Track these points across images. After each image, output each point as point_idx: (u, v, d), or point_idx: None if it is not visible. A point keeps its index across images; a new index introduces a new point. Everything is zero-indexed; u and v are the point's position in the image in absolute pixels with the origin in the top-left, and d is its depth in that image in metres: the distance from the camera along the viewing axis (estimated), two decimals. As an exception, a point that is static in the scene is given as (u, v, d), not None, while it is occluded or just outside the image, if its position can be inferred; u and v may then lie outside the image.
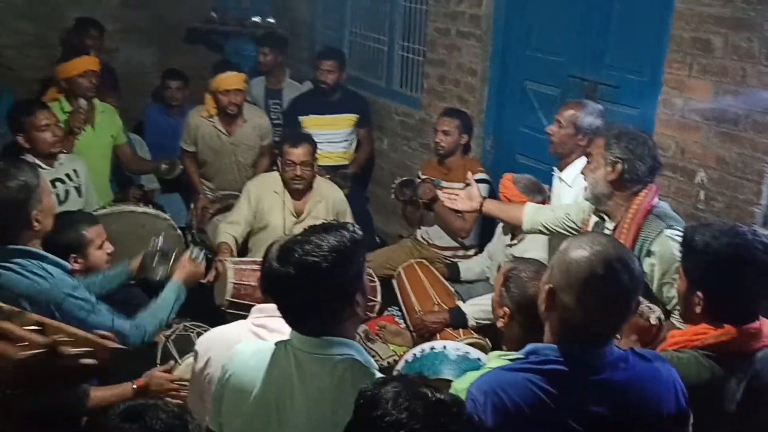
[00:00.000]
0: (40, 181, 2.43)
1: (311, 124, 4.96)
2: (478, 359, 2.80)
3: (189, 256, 2.88)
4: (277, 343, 1.80)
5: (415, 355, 2.96)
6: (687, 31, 3.19)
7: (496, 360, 2.10)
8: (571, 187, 3.35)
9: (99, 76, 4.11)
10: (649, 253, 2.58)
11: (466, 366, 2.44)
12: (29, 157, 3.42)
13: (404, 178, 4.25)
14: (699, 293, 1.99)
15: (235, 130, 4.59)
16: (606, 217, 2.79)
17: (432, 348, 2.95)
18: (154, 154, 5.04)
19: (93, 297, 2.45)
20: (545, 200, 3.62)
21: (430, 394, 1.39)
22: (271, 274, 1.75)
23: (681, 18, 3.21)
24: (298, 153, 3.88)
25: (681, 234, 2.35)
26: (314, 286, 1.68)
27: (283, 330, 1.89)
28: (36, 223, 2.38)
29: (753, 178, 3.02)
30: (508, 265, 2.27)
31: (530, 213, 3.18)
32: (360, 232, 1.77)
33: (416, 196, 4.10)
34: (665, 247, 2.54)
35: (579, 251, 1.69)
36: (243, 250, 4.02)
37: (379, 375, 1.72)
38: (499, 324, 2.17)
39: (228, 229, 3.94)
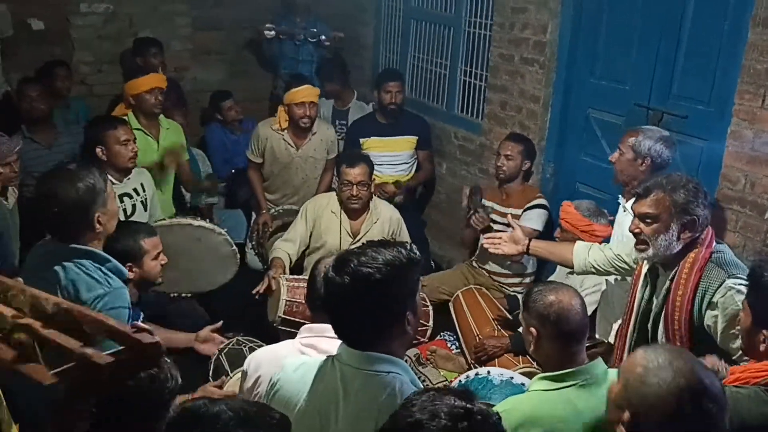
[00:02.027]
0: (107, 186, 2.52)
1: (371, 145, 4.99)
2: (522, 384, 2.78)
3: None
4: (326, 358, 1.81)
5: (460, 381, 2.96)
6: (760, 62, 3.10)
7: (538, 382, 2.14)
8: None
9: (165, 94, 4.23)
10: (711, 305, 2.44)
11: (509, 391, 2.44)
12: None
13: (474, 185, 4.21)
14: (765, 331, 1.91)
15: (303, 144, 4.66)
16: (660, 267, 2.64)
17: (477, 374, 2.95)
18: (217, 170, 5.19)
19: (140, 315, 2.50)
20: (606, 224, 3.55)
21: (456, 401, 1.38)
22: (326, 284, 1.78)
23: (754, 49, 3.12)
24: (354, 173, 3.91)
25: (744, 283, 2.27)
26: (366, 298, 1.70)
27: (331, 351, 1.89)
28: (98, 225, 2.46)
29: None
30: (525, 293, 2.31)
31: (580, 253, 3.07)
32: (417, 253, 1.77)
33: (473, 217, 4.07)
34: (728, 298, 2.40)
35: (660, 377, 1.57)
36: (298, 268, 4.05)
37: None
38: (531, 350, 2.16)
39: (283, 246, 3.98)
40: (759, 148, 3.13)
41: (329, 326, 2.19)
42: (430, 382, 3.68)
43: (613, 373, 2.22)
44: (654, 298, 2.63)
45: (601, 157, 4.13)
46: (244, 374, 2.30)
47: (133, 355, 1.34)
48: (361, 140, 5.06)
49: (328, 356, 1.81)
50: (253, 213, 4.81)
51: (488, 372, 2.90)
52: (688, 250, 2.51)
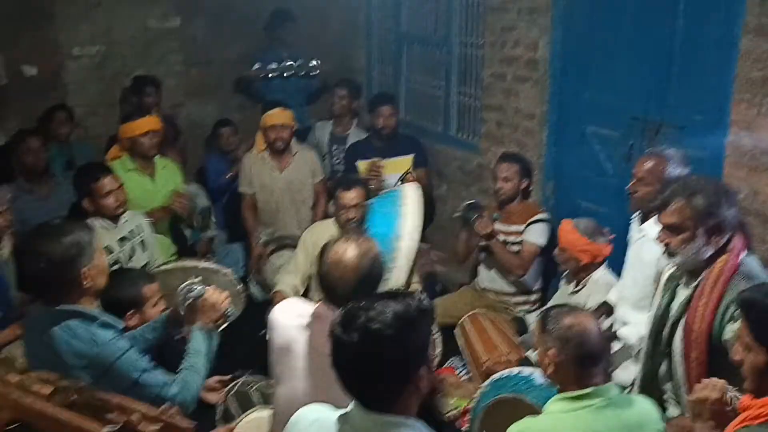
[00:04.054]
0: (93, 240, 2.46)
1: (368, 168, 4.96)
2: None
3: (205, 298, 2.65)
4: (339, 417, 1.74)
5: (501, 375, 2.97)
6: (754, 71, 3.07)
7: (555, 404, 2.14)
8: (654, 242, 2.99)
9: (160, 135, 4.22)
10: (733, 319, 2.35)
11: (548, 394, 2.39)
12: (96, 221, 3.53)
13: (472, 201, 4.18)
14: None
15: (286, 166, 4.71)
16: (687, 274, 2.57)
17: (520, 372, 2.97)
18: (217, 199, 5.17)
19: (145, 359, 2.45)
20: (606, 243, 3.50)
21: None
22: (333, 342, 1.69)
23: (747, 57, 3.10)
24: (350, 196, 3.90)
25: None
26: (377, 356, 1.62)
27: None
28: (86, 281, 2.39)
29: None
30: (540, 313, 2.31)
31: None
32: (428, 302, 1.72)
33: (473, 228, 4.02)
34: None
35: None
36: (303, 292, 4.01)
37: None
38: (549, 371, 2.16)
39: (285, 279, 3.95)
40: (759, 157, 3.10)
41: None
42: (440, 411, 3.63)
43: (636, 398, 2.21)
44: (672, 306, 2.58)
45: (601, 172, 4.12)
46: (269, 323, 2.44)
47: None
48: (358, 163, 5.04)
49: (340, 416, 1.73)
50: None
51: (532, 372, 2.92)
52: (717, 257, 2.44)
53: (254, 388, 3.13)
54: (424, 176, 5.16)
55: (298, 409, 1.81)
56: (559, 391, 2.19)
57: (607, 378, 2.33)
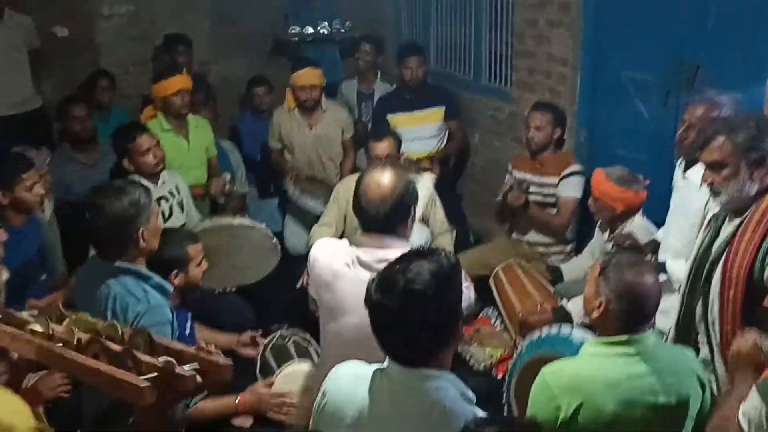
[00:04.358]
0: (151, 202, 2.59)
1: (399, 122, 4.94)
2: None
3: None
4: (374, 372, 1.78)
5: (540, 335, 2.96)
6: (795, 7, 2.95)
7: (591, 347, 2.14)
8: (699, 190, 2.90)
9: (192, 93, 4.25)
10: None
11: None
12: (136, 178, 3.58)
13: (513, 182, 4.13)
14: None
15: (315, 123, 4.72)
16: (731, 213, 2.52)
17: (559, 331, 2.93)
18: (250, 158, 5.20)
19: (186, 326, 2.53)
20: (640, 191, 3.45)
21: None
22: (372, 309, 1.71)
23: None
24: (382, 147, 3.87)
25: None
26: (420, 316, 1.65)
27: (388, 259, 1.89)
28: (142, 241, 2.51)
29: None
30: (604, 257, 2.25)
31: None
32: (453, 256, 1.74)
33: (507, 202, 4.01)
34: None
35: None
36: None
37: (473, 409, 1.69)
38: (594, 315, 2.14)
39: (320, 231, 3.96)
40: (801, 98, 2.99)
41: (389, 238, 2.34)
42: (476, 361, 3.68)
43: (672, 349, 2.21)
44: (714, 245, 2.54)
45: (636, 118, 4.03)
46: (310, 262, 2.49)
47: (209, 373, 1.50)
48: (388, 117, 5.01)
49: (377, 370, 1.77)
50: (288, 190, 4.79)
51: (570, 331, 2.90)
52: (763, 194, 2.40)
53: (291, 341, 3.20)
54: (457, 128, 5.15)
55: (346, 345, 1.82)
56: (599, 335, 2.18)
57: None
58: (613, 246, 3.41)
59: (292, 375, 2.90)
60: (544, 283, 3.85)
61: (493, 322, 3.93)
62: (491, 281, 3.96)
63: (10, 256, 2.92)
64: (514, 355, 3.07)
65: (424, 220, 3.95)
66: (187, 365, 1.57)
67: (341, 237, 4.06)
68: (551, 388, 2.07)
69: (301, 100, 4.65)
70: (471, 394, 1.74)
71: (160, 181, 3.75)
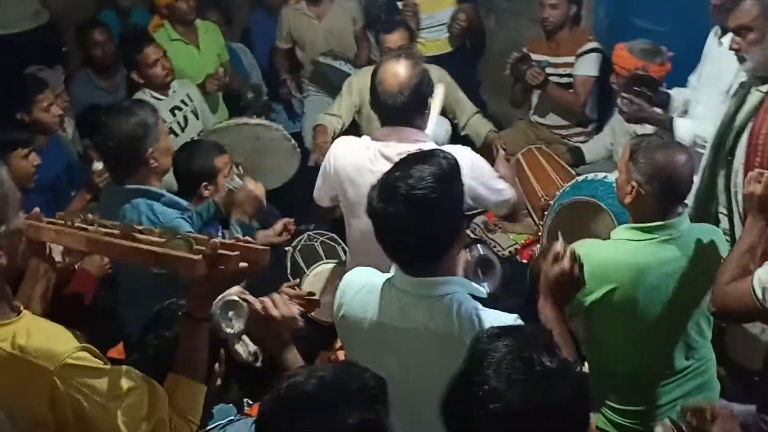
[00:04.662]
0: (158, 121, 2.57)
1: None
2: None
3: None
4: (384, 284, 1.78)
5: (584, 179, 3.02)
6: None
7: (624, 231, 2.15)
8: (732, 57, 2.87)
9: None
10: None
11: None
12: (146, 93, 3.60)
13: (520, 54, 4.04)
14: None
15: (324, 15, 4.58)
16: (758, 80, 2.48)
17: (605, 176, 2.96)
18: (263, 60, 5.08)
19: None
20: (665, 63, 3.36)
21: (537, 361, 1.25)
22: (375, 217, 1.69)
23: None
24: (394, 39, 3.77)
25: None
26: (426, 221, 1.63)
27: (394, 158, 1.94)
28: (153, 161, 2.52)
29: None
30: (632, 140, 2.21)
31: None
32: (452, 157, 1.72)
33: (526, 79, 3.92)
34: None
35: None
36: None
37: (481, 307, 1.69)
38: (627, 201, 2.13)
39: (327, 117, 3.89)
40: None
41: (410, 130, 2.36)
42: (501, 247, 3.73)
43: (700, 229, 2.20)
44: (740, 112, 2.53)
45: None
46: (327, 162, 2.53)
47: (249, 261, 1.53)
48: (399, 3, 4.69)
49: (386, 281, 1.77)
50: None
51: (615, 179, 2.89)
52: None
53: (318, 241, 3.28)
54: (471, 11, 4.82)
55: (372, 240, 1.80)
56: (632, 221, 2.17)
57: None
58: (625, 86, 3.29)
59: (321, 275, 3.00)
60: (565, 166, 3.84)
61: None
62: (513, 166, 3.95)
63: (39, 175, 3.00)
64: (557, 194, 3.11)
65: (450, 111, 3.91)
66: None
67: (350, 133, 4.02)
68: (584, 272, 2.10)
69: None
70: (482, 291, 1.76)
71: (171, 92, 3.74)
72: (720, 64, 2.98)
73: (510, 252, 3.72)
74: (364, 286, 1.82)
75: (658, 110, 3.13)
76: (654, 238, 2.07)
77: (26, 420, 1.43)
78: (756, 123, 2.41)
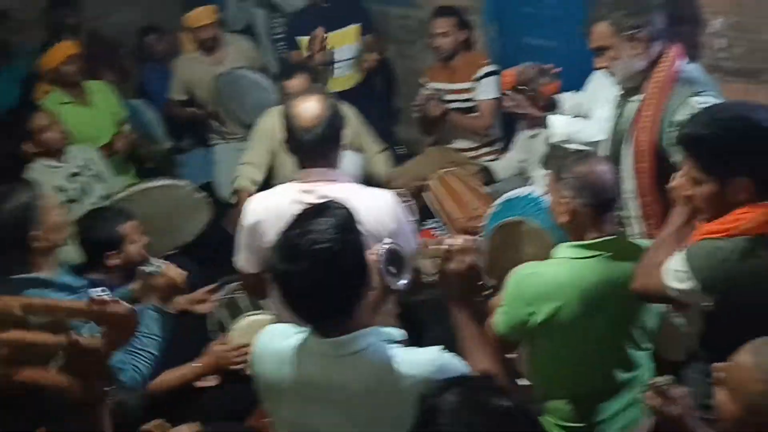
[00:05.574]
0: (39, 199, 2.42)
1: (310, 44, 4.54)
2: None
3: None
4: (297, 347, 1.70)
5: (513, 195, 3.04)
6: None
7: (566, 250, 2.17)
8: None
9: (83, 57, 4.06)
10: (671, 125, 2.40)
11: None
12: (38, 164, 3.48)
13: (427, 94, 4.06)
14: (742, 179, 1.83)
15: (221, 60, 4.54)
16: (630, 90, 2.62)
17: (531, 192, 3.03)
18: (162, 109, 4.94)
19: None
20: (552, 81, 3.45)
21: (493, 404, 1.25)
22: (279, 278, 1.62)
23: None
24: (293, 84, 3.70)
25: (709, 102, 2.24)
26: (333, 275, 1.57)
27: (329, 195, 1.86)
28: (41, 242, 2.36)
29: (772, 15, 2.82)
30: (553, 168, 2.28)
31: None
32: (345, 206, 1.67)
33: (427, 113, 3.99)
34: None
35: None
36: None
37: (401, 351, 1.64)
38: (563, 219, 2.17)
39: (245, 173, 3.81)
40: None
41: (329, 170, 2.31)
42: (427, 272, 3.70)
43: (638, 244, 2.23)
44: (621, 123, 2.65)
45: (542, 5, 3.99)
46: (245, 213, 2.41)
47: (114, 328, 1.44)
48: (299, 39, 4.62)
49: (302, 341, 1.69)
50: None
51: (542, 195, 2.96)
52: (653, 68, 2.49)
53: (240, 293, 3.18)
54: (376, 43, 4.81)
55: None
56: (572, 239, 2.20)
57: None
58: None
59: (246, 327, 2.90)
60: (478, 187, 3.89)
61: (435, 234, 3.97)
62: (427, 195, 3.98)
63: None
64: (487, 214, 3.13)
65: (356, 147, 3.91)
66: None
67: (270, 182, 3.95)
68: (526, 293, 2.11)
69: (200, 41, 4.50)
70: (398, 335, 1.70)
71: (68, 158, 3.62)
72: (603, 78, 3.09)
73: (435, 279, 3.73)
74: (277, 347, 1.74)
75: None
76: (595, 255, 2.11)
77: None
78: (636, 129, 2.52)
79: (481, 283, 1.85)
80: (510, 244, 2.79)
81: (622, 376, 2.23)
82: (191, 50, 4.59)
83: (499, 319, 2.18)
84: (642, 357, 2.27)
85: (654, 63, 2.49)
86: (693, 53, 3.02)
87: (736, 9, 2.93)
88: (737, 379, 1.37)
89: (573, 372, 2.21)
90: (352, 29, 4.72)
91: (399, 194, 3.61)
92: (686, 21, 3.07)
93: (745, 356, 1.38)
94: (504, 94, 3.51)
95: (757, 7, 2.85)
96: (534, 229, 2.75)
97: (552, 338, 2.15)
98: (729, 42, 3.01)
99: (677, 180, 2.01)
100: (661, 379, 1.84)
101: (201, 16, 4.46)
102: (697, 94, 2.39)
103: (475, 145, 4.18)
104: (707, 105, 2.23)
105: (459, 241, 1.82)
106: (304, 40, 4.59)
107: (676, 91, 2.43)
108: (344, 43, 4.67)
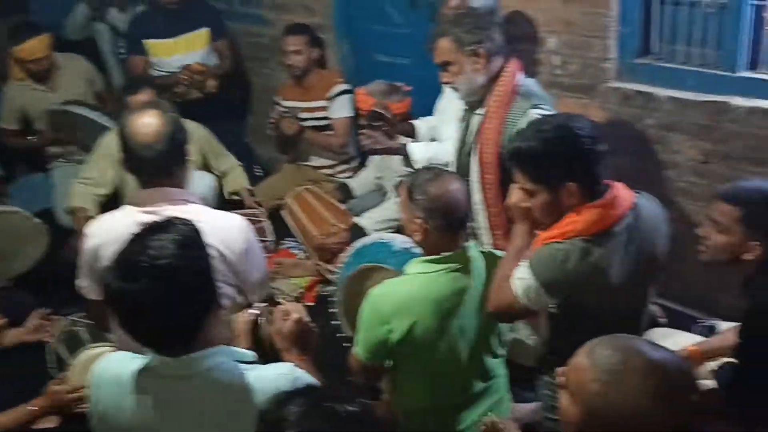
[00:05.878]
0: None
1: (159, 50, 4.37)
2: None
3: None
4: (139, 371, 1.59)
5: (363, 244, 3.02)
6: None
7: (416, 266, 2.18)
8: None
9: None
10: (513, 137, 2.44)
11: (407, 258, 2.42)
12: None
13: (281, 112, 4.04)
14: (570, 184, 1.93)
15: (56, 85, 4.21)
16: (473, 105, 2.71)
17: (380, 238, 3.07)
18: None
19: None
20: (403, 99, 3.52)
21: (341, 409, 1.25)
22: (120, 297, 1.51)
23: None
24: (138, 100, 3.50)
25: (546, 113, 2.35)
26: (175, 293, 1.49)
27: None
28: None
29: (599, 35, 3.02)
30: (405, 180, 2.28)
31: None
32: (190, 221, 1.60)
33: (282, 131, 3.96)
34: None
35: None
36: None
37: (252, 369, 1.60)
38: (417, 238, 2.17)
39: (83, 191, 3.59)
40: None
41: (174, 189, 2.15)
42: (286, 293, 3.66)
43: (488, 255, 2.26)
44: (468, 135, 2.73)
45: (391, 22, 4.06)
46: (85, 236, 2.22)
47: None
48: (144, 43, 4.38)
49: (139, 371, 1.59)
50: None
51: (393, 239, 3.00)
52: (494, 83, 2.59)
53: (82, 325, 2.97)
54: (226, 48, 4.58)
55: None
56: (425, 254, 2.20)
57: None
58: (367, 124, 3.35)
59: (87, 362, 2.70)
60: (335, 204, 3.88)
61: (293, 252, 3.92)
62: (284, 211, 3.93)
63: None
64: (339, 265, 3.11)
65: (206, 167, 3.79)
66: None
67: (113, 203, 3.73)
68: (382, 312, 2.10)
69: (32, 72, 4.12)
70: (248, 355, 1.65)
71: None
72: (451, 95, 3.18)
73: (296, 297, 3.67)
74: (116, 373, 1.62)
75: (403, 139, 3.26)
76: (446, 269, 2.13)
77: None
78: (481, 142, 2.61)
79: (312, 335, 1.84)
80: (365, 293, 2.78)
81: (480, 385, 2.27)
82: (21, 77, 4.19)
83: (359, 346, 2.17)
84: (497, 364, 2.32)
85: (495, 77, 2.59)
86: (531, 69, 3.18)
87: (568, 28, 3.10)
88: (575, 381, 1.40)
89: (433, 384, 2.23)
90: (200, 34, 4.43)
91: (253, 214, 3.62)
92: (524, 39, 3.23)
93: (581, 357, 1.41)
94: (358, 111, 3.53)
95: (587, 27, 3.03)
96: (388, 272, 2.77)
97: (411, 353, 2.16)
98: (563, 59, 3.19)
99: (513, 195, 2.09)
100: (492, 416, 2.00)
101: (34, 49, 4.03)
102: (535, 106, 2.51)
103: (332, 162, 4.18)
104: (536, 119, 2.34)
105: (284, 306, 1.85)
106: (151, 45, 4.39)
107: (516, 104, 2.55)
108: (191, 48, 4.40)
